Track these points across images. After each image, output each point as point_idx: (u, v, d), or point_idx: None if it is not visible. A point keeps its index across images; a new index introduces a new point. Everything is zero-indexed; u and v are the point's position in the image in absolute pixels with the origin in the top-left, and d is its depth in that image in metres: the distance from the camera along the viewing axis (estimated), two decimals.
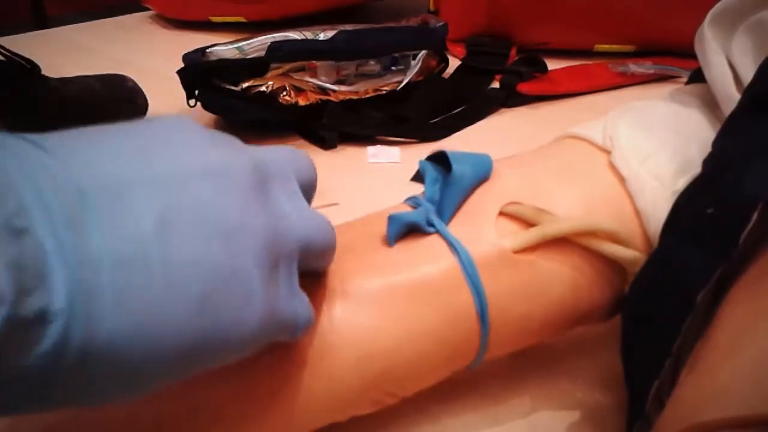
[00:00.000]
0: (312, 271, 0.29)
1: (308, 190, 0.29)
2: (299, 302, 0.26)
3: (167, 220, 0.20)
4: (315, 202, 0.31)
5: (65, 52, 0.92)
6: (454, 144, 0.66)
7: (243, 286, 0.22)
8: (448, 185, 0.33)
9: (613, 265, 0.34)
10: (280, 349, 0.29)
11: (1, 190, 0.17)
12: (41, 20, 1.70)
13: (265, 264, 0.23)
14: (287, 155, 0.28)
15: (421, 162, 0.35)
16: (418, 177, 0.36)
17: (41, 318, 0.17)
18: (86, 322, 0.18)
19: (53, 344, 0.17)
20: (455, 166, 0.33)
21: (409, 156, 0.63)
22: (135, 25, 1.05)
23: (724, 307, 0.25)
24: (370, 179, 0.59)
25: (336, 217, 0.36)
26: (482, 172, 0.34)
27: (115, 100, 0.65)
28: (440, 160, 0.35)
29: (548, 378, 0.37)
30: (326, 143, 0.65)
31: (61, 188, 0.18)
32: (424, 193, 0.34)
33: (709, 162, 0.31)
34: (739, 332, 0.23)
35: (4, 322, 0.16)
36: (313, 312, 0.27)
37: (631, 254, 0.33)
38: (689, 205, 0.30)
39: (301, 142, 0.66)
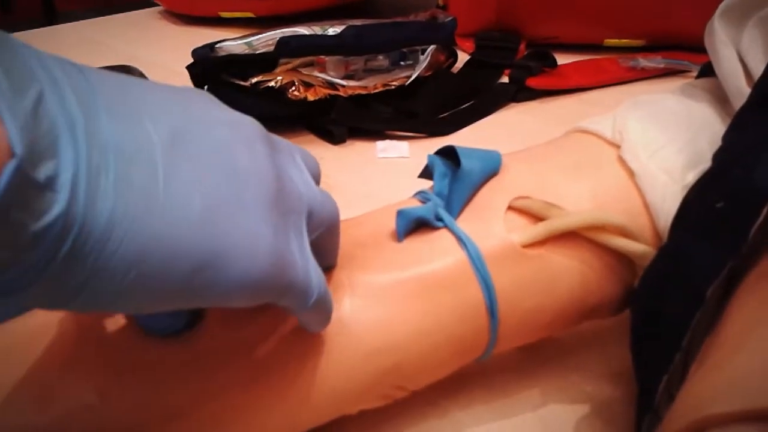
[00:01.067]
0: (321, 258, 0.29)
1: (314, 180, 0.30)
2: (313, 269, 0.26)
3: (177, 139, 0.21)
4: None
5: (75, 48, 0.93)
6: (463, 139, 0.66)
7: (247, 220, 0.22)
8: (457, 180, 0.33)
9: (622, 259, 0.34)
10: (289, 342, 0.29)
11: (18, 68, 0.18)
12: (51, 16, 1.70)
13: (272, 213, 0.24)
14: (293, 145, 0.29)
15: (429, 156, 0.35)
16: (426, 173, 0.36)
17: (49, 185, 0.18)
18: (88, 200, 0.18)
19: (56, 216, 0.18)
20: (464, 161, 0.33)
21: (418, 151, 0.63)
22: (144, 21, 1.06)
23: (734, 301, 0.25)
24: (379, 174, 0.59)
25: (345, 212, 0.36)
26: (491, 167, 0.34)
27: None
28: (449, 154, 0.35)
29: (558, 371, 0.37)
30: (335, 138, 0.65)
31: (74, 80, 0.20)
32: (432, 187, 0.34)
33: (718, 156, 0.31)
34: (749, 326, 0.23)
35: (14, 172, 0.16)
36: (326, 286, 0.27)
37: (641, 248, 0.33)
38: (699, 199, 0.30)
39: (310, 137, 0.67)
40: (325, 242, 0.29)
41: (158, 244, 0.20)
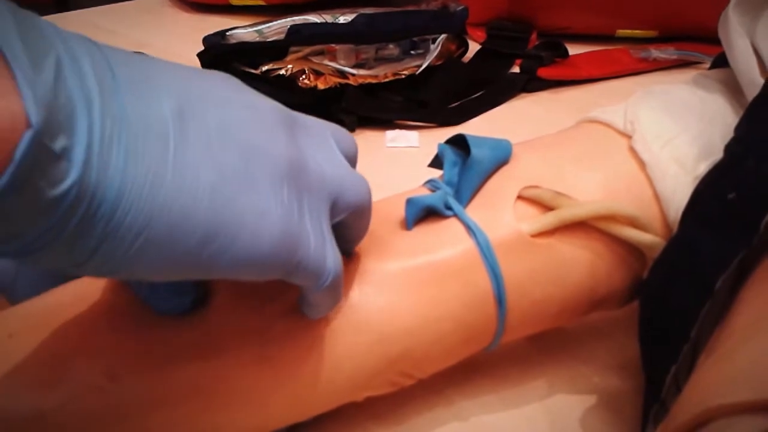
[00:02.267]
0: (347, 241, 0.30)
1: (349, 161, 0.30)
2: (330, 250, 0.26)
3: (189, 115, 0.22)
4: None
5: (86, 35, 0.93)
6: (473, 129, 0.66)
7: (256, 196, 0.23)
8: (467, 168, 0.33)
9: (632, 249, 0.34)
10: (298, 326, 0.29)
11: (38, 42, 0.19)
12: (62, 2, 1.71)
13: (285, 191, 0.24)
14: (327, 123, 0.30)
15: (440, 145, 0.35)
16: (436, 162, 0.36)
17: (64, 155, 0.18)
18: (100, 170, 0.19)
19: (71, 184, 0.19)
20: (474, 150, 0.33)
21: (428, 140, 0.63)
22: (155, 8, 1.06)
23: (744, 293, 0.25)
24: (389, 163, 0.59)
25: None
26: (501, 156, 0.34)
27: None
28: (459, 143, 0.35)
29: (565, 362, 0.37)
30: (345, 127, 0.64)
31: (92, 56, 0.20)
32: (442, 176, 0.34)
33: (731, 147, 0.31)
34: (759, 318, 0.23)
35: (31, 142, 0.17)
36: (341, 271, 0.27)
37: (651, 239, 0.33)
38: (710, 190, 0.30)
39: None
40: (352, 224, 0.29)
41: (165, 214, 0.21)
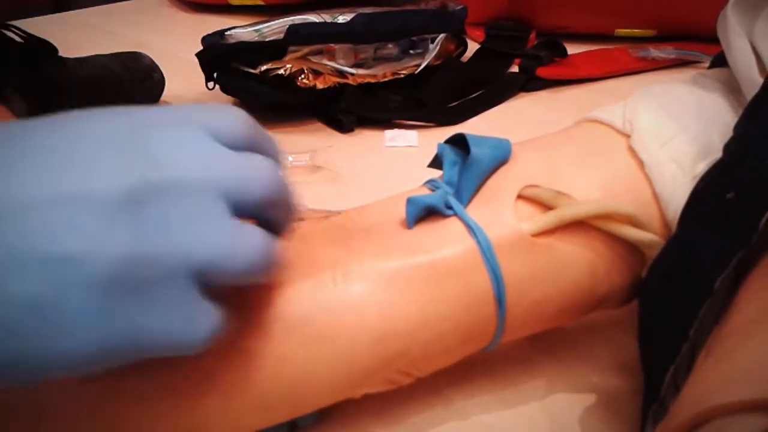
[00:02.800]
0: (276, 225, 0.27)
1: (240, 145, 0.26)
2: (200, 313, 0.23)
3: None
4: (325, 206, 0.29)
5: (84, 35, 0.93)
6: (472, 128, 0.66)
7: (52, 316, 0.20)
8: (467, 168, 0.33)
9: (631, 248, 0.34)
10: (296, 323, 0.29)
11: None
12: (61, 3, 1.71)
13: (105, 293, 0.21)
14: (196, 113, 0.25)
15: (439, 145, 0.35)
16: (435, 162, 0.36)
17: None
18: None
19: None
20: (474, 149, 0.33)
21: (427, 140, 0.63)
22: (154, 8, 1.06)
23: (743, 292, 0.25)
24: (388, 163, 0.59)
25: (352, 200, 0.36)
26: (501, 155, 0.34)
27: (132, 79, 0.66)
28: (459, 143, 0.35)
29: (564, 361, 0.37)
30: (344, 127, 0.65)
31: None
32: (442, 176, 0.34)
33: (730, 147, 0.31)
34: (758, 316, 0.23)
35: None
36: (218, 324, 0.24)
37: (650, 237, 0.33)
38: (709, 189, 0.30)
39: (319, 125, 0.67)
40: (272, 215, 0.26)
41: None
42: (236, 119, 0.26)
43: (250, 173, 0.25)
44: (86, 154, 0.22)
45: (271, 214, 0.26)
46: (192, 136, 0.24)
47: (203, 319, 0.23)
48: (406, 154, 0.61)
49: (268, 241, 0.25)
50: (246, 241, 0.24)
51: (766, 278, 0.25)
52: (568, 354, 0.38)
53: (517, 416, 0.34)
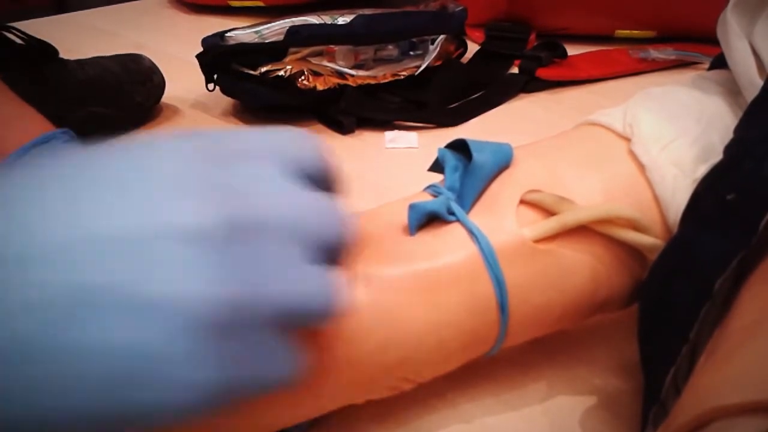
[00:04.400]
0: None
1: (318, 176, 0.26)
2: (284, 360, 0.23)
3: (51, 297, 0.18)
4: None
5: (84, 36, 0.93)
6: (472, 129, 0.66)
7: (163, 366, 0.19)
8: (469, 174, 0.33)
9: (632, 252, 0.34)
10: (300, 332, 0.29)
11: None
12: (61, 4, 1.71)
13: (209, 337, 0.20)
14: (272, 144, 0.25)
15: (440, 150, 0.35)
16: (436, 166, 0.35)
17: None
18: None
19: None
20: (476, 155, 0.33)
21: (427, 141, 0.63)
22: (154, 10, 1.06)
23: (743, 293, 0.25)
24: (388, 164, 0.59)
25: (354, 202, 0.36)
26: (503, 161, 0.34)
27: (132, 80, 0.66)
28: (459, 148, 0.34)
29: (565, 364, 0.37)
30: (344, 128, 0.65)
31: None
32: (443, 181, 0.34)
33: (730, 148, 0.31)
34: (758, 318, 0.23)
35: None
36: (303, 362, 0.24)
37: (651, 241, 0.33)
38: (709, 191, 0.30)
39: (319, 126, 0.67)
40: (336, 256, 0.26)
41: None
42: (313, 149, 0.26)
43: (329, 218, 0.24)
44: (169, 187, 0.21)
45: (340, 254, 0.26)
46: (273, 171, 0.23)
47: (289, 361, 0.23)
48: (406, 155, 0.61)
49: (344, 285, 0.24)
50: (327, 287, 0.24)
51: (765, 280, 0.25)
52: (568, 356, 0.38)
53: (520, 418, 0.34)
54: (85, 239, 0.19)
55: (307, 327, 0.24)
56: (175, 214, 0.20)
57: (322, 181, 0.26)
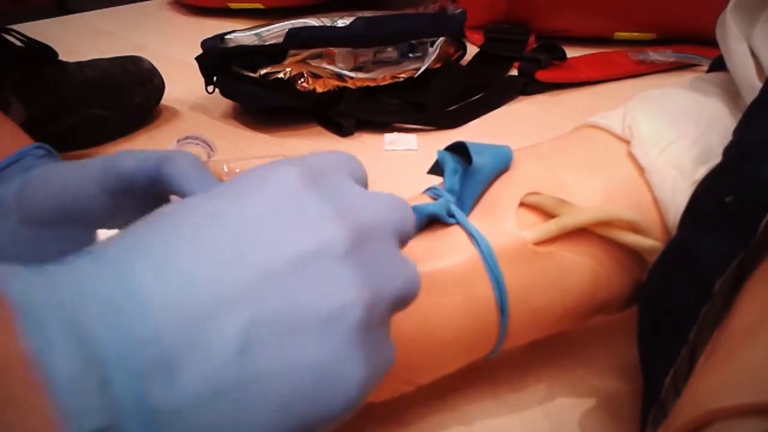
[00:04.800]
0: None
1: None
2: (389, 350, 0.25)
3: (251, 336, 0.20)
4: None
5: (85, 38, 0.93)
6: (471, 131, 0.66)
7: (337, 374, 0.22)
8: (469, 176, 0.33)
9: (632, 255, 0.34)
10: None
11: (85, 358, 0.18)
12: (62, 6, 1.71)
13: (363, 336, 0.22)
14: (338, 162, 0.27)
15: (439, 152, 0.35)
16: (435, 169, 0.35)
17: None
18: None
19: None
20: (476, 158, 0.33)
21: (427, 143, 0.63)
22: (154, 12, 1.06)
23: (742, 295, 0.25)
24: (387, 166, 0.59)
25: None
26: (502, 163, 0.34)
27: (132, 82, 0.66)
28: (459, 150, 0.34)
29: (565, 365, 0.37)
30: (343, 130, 0.65)
31: (143, 341, 0.19)
32: (443, 183, 0.34)
33: (729, 151, 0.31)
34: (758, 320, 0.23)
35: None
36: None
37: (651, 243, 0.33)
38: (708, 193, 0.30)
39: (319, 129, 0.67)
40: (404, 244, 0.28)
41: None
42: (359, 164, 0.28)
43: (404, 212, 0.27)
44: (298, 212, 0.23)
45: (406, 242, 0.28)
46: (350, 181, 0.26)
47: (392, 349, 0.25)
48: (405, 157, 0.61)
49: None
50: (414, 272, 0.26)
51: (764, 281, 0.25)
52: (568, 358, 0.38)
53: (519, 420, 0.34)
54: (263, 275, 0.21)
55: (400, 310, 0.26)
56: (319, 237, 0.22)
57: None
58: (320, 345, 0.21)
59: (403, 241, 0.26)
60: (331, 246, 0.22)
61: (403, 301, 0.25)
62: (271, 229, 0.22)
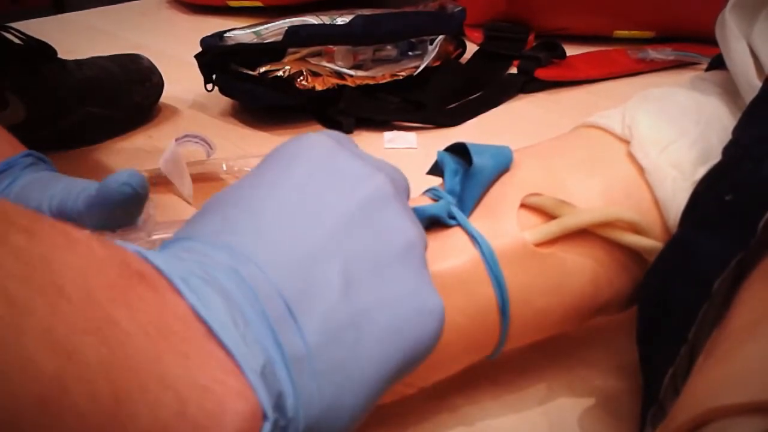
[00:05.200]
0: None
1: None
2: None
3: (349, 277, 0.23)
4: None
5: (83, 37, 0.93)
6: (470, 129, 0.66)
7: (423, 300, 0.25)
8: (469, 177, 0.33)
9: (633, 255, 0.34)
10: None
11: (232, 312, 0.20)
12: (60, 4, 1.71)
13: (426, 270, 0.26)
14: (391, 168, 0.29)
15: (439, 153, 0.35)
16: (435, 170, 0.35)
17: (283, 426, 0.21)
18: (302, 417, 0.21)
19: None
20: (476, 159, 0.33)
21: (426, 141, 0.63)
22: (153, 10, 1.06)
23: (742, 293, 0.25)
24: None
25: None
26: (502, 164, 0.34)
27: (131, 81, 0.66)
28: (459, 151, 0.34)
29: (565, 365, 0.37)
30: (343, 128, 0.65)
31: (268, 297, 0.21)
32: (444, 185, 0.34)
33: (729, 150, 0.31)
34: (757, 318, 0.23)
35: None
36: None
37: (652, 244, 0.33)
38: (708, 192, 0.30)
39: (318, 126, 0.67)
40: None
41: (361, 400, 0.23)
42: (405, 179, 0.30)
43: (404, 179, 0.30)
44: (339, 167, 0.26)
45: None
46: (398, 204, 0.27)
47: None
48: (405, 155, 0.61)
49: None
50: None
51: (764, 280, 0.25)
52: (569, 357, 0.38)
53: (520, 420, 0.34)
54: (340, 224, 0.24)
55: None
56: (370, 184, 0.26)
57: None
58: (404, 275, 0.24)
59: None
60: (382, 191, 0.26)
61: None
62: (327, 184, 0.25)
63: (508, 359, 0.37)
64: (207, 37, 0.69)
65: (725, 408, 0.20)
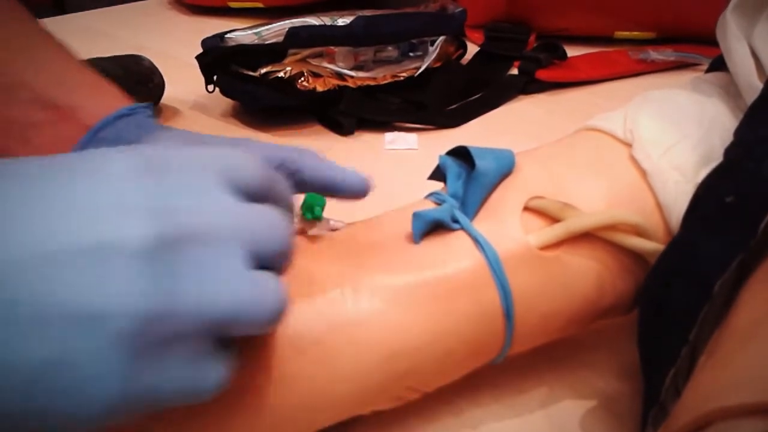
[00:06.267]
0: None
1: (259, 190, 0.26)
2: (208, 370, 0.23)
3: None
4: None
5: (84, 38, 0.92)
6: (471, 131, 0.66)
7: (71, 376, 0.20)
8: (472, 181, 0.33)
9: (636, 258, 0.34)
10: (306, 342, 0.29)
11: None
12: (60, 5, 1.71)
13: (125, 351, 0.20)
14: (213, 163, 0.25)
15: (441, 157, 0.35)
16: (436, 174, 0.35)
17: None
18: None
19: None
20: (479, 162, 0.33)
21: (427, 143, 0.63)
22: (154, 11, 1.06)
23: (743, 295, 0.25)
24: (388, 166, 0.59)
25: (355, 205, 0.36)
26: (505, 167, 0.34)
27: (132, 82, 0.65)
28: (461, 154, 0.34)
29: (567, 367, 0.37)
30: (343, 129, 0.65)
31: None
32: (446, 188, 0.34)
33: (730, 151, 0.31)
34: (758, 319, 0.23)
35: None
36: (228, 374, 0.24)
37: (655, 246, 0.33)
38: (709, 193, 0.30)
39: (319, 128, 0.67)
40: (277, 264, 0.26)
41: None
42: (253, 167, 0.26)
43: (265, 226, 0.24)
44: (108, 200, 0.21)
45: (280, 264, 0.26)
46: (212, 186, 0.24)
47: (214, 372, 0.23)
48: (406, 156, 0.61)
49: (284, 289, 0.24)
50: (266, 292, 0.24)
51: (765, 281, 0.25)
52: (571, 359, 0.38)
53: (522, 422, 0.34)
54: (32, 256, 0.20)
55: (247, 333, 0.24)
56: (115, 229, 0.21)
57: (263, 195, 0.26)
58: (57, 342, 0.20)
59: (269, 258, 0.24)
60: (122, 242, 0.21)
61: (236, 321, 0.23)
62: (71, 216, 0.21)
63: (509, 362, 0.37)
64: (208, 38, 0.69)
65: (727, 409, 0.20)
